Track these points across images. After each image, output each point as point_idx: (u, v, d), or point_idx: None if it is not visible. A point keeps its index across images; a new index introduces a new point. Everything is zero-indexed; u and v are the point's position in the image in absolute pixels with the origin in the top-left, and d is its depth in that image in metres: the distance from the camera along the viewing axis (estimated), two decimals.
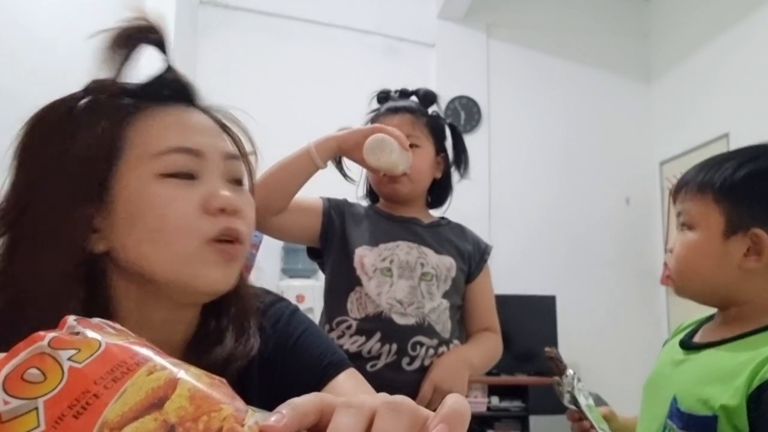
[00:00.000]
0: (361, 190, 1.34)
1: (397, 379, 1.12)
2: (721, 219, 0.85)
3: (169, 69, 0.63)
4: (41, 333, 0.32)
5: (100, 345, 0.31)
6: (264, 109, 3.36)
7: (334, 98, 3.38)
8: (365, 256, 1.18)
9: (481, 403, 3.22)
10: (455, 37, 3.87)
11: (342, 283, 1.18)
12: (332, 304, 1.19)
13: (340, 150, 1.13)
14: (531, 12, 4.02)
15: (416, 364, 1.14)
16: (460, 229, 1.31)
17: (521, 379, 3.32)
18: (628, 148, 4.01)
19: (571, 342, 3.52)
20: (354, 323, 1.14)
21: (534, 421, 3.19)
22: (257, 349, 0.63)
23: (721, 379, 0.79)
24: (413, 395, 1.12)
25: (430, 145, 1.25)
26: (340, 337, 1.15)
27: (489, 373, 3.28)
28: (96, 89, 0.59)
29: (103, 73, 0.59)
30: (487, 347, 1.27)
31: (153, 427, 0.28)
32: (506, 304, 3.65)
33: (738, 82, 3.26)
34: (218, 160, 0.60)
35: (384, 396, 0.31)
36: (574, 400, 0.97)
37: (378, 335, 1.13)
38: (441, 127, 1.29)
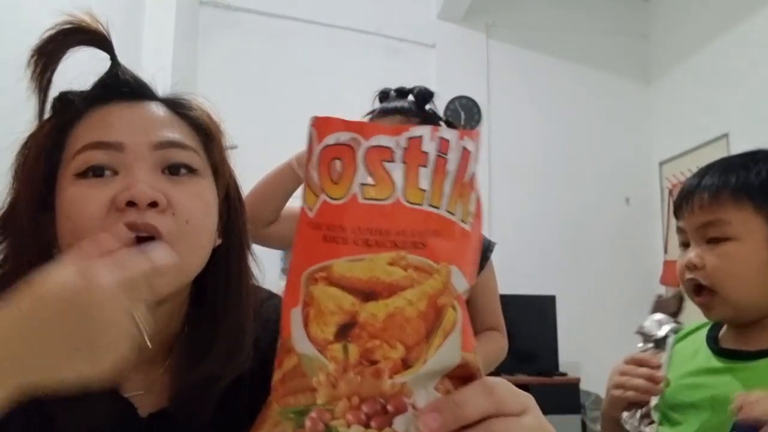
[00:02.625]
0: None
1: None
2: (765, 226, 0.82)
3: (113, 67, 0.60)
4: (376, 129, 0.32)
5: (389, 196, 0.31)
6: (264, 109, 3.37)
7: (335, 99, 3.38)
8: None
9: None
10: (455, 38, 3.87)
11: None
12: None
13: None
14: (530, 12, 4.02)
15: None
16: None
17: (521, 379, 3.31)
18: (628, 149, 4.02)
19: (571, 342, 3.53)
20: None
21: None
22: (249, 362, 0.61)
23: None
24: None
25: None
26: None
27: (489, 373, 3.27)
28: (59, 101, 0.59)
29: (30, 84, 0.58)
30: (488, 348, 1.25)
31: (346, 308, 0.31)
32: (506, 304, 3.61)
33: (738, 82, 3.26)
34: (144, 150, 0.56)
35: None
36: (661, 343, 0.89)
37: None
38: (434, 124, 1.29)
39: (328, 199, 0.31)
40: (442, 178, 0.33)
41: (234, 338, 0.60)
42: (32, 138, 0.58)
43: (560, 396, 3.27)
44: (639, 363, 0.87)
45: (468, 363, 0.33)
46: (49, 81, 0.58)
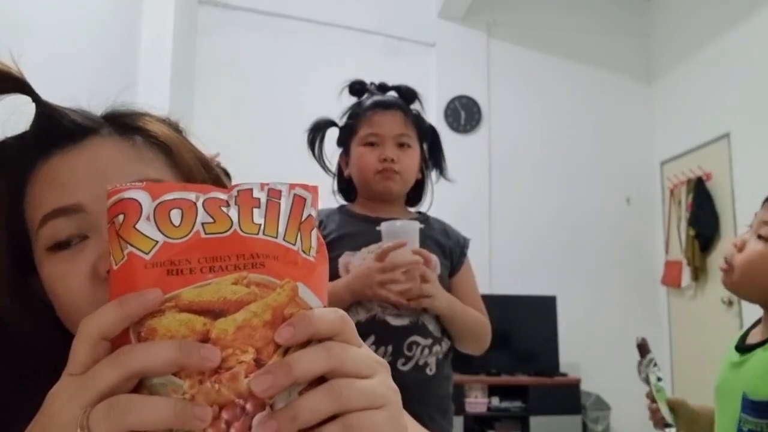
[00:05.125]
0: (336, 184, 1.35)
1: (394, 380, 1.11)
2: None
3: (41, 112, 0.54)
4: (209, 187, 0.36)
5: (228, 229, 0.35)
6: (264, 108, 3.36)
7: (334, 98, 3.37)
8: (350, 263, 1.17)
9: (481, 403, 3.21)
10: (455, 37, 3.86)
11: None
12: None
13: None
14: (531, 12, 4.02)
15: (411, 364, 1.14)
16: (439, 225, 1.31)
17: (521, 379, 3.31)
18: (629, 148, 4.01)
19: (571, 342, 3.52)
20: None
21: (534, 421, 3.18)
22: None
23: None
24: (409, 396, 1.10)
25: (418, 144, 1.26)
26: None
27: (489, 373, 3.28)
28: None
29: None
30: (475, 315, 1.25)
31: (199, 329, 0.33)
32: (506, 304, 3.68)
33: (739, 82, 3.26)
34: (106, 204, 0.53)
35: None
36: (647, 379, 1.19)
37: (372, 338, 1.12)
38: (424, 125, 1.30)
39: (169, 240, 0.34)
40: (275, 215, 0.36)
41: None
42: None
43: (561, 396, 3.27)
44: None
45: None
46: None
